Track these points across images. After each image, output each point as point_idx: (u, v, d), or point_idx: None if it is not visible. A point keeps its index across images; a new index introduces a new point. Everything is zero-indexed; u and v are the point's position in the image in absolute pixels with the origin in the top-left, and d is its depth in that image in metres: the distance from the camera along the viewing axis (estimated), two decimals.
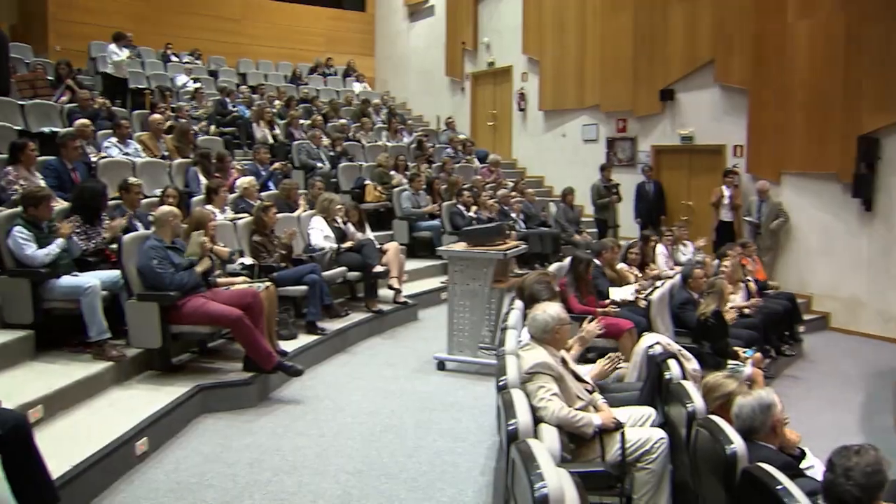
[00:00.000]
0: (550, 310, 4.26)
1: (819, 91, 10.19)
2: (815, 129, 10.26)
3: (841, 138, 9.96)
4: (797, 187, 10.68)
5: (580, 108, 13.93)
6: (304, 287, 7.09)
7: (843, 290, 10.27)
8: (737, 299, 7.71)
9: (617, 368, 4.81)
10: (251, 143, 11.71)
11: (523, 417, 3.44)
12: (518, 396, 3.68)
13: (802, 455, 3.78)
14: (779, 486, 2.71)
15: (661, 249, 9.15)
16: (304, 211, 8.60)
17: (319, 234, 8.00)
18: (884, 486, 2.73)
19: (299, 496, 4.37)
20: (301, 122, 12.88)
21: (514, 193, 11.69)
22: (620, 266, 7.89)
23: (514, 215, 10.98)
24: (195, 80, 14.34)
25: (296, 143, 11.75)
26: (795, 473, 3.26)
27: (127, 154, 8.77)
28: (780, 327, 8.35)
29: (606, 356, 4.95)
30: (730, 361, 6.14)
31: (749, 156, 11.16)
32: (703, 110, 11.82)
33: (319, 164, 11.42)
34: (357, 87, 17.99)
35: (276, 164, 10.29)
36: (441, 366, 6.92)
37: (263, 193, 9.01)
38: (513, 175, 14.34)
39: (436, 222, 10.70)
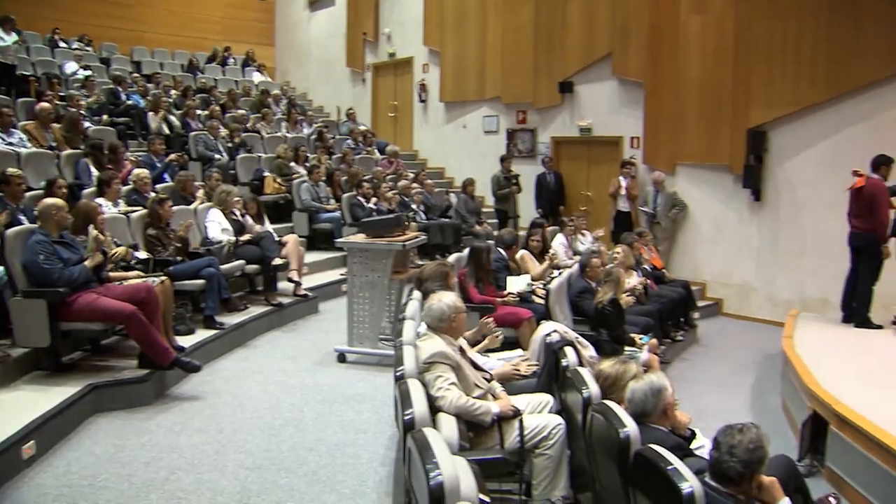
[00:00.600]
0: (446, 299, 4.29)
1: (711, 85, 10.61)
2: (708, 121, 10.69)
3: (731, 131, 10.42)
4: (691, 178, 11.10)
5: (481, 100, 14.07)
6: (201, 281, 6.95)
7: (735, 277, 10.75)
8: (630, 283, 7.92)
9: (525, 377, 4.85)
10: (146, 133, 11.30)
11: (419, 407, 3.45)
12: (415, 386, 3.68)
13: (693, 436, 3.93)
14: (669, 467, 2.80)
15: (560, 239, 9.33)
16: (201, 203, 8.38)
17: (217, 226, 7.83)
18: (764, 461, 2.92)
19: (197, 494, 4.28)
20: (198, 112, 12.52)
21: (414, 185, 11.70)
22: (522, 253, 8.02)
23: (414, 206, 10.99)
24: (85, 68, 13.68)
25: (193, 133, 11.40)
26: (686, 453, 3.40)
27: (11, 144, 8.32)
28: (675, 314, 8.66)
29: (517, 360, 5.01)
30: (626, 347, 6.34)
31: (645, 147, 11.54)
32: (601, 102, 12.14)
33: (217, 156, 11.13)
34: (256, 77, 17.61)
35: (172, 156, 9.97)
36: (341, 358, 6.92)
37: (159, 186, 8.77)
38: (414, 166, 14.34)
39: (336, 214, 10.60)
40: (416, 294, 5.48)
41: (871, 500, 4.67)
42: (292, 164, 11.35)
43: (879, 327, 7.76)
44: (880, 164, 7.65)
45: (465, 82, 14.30)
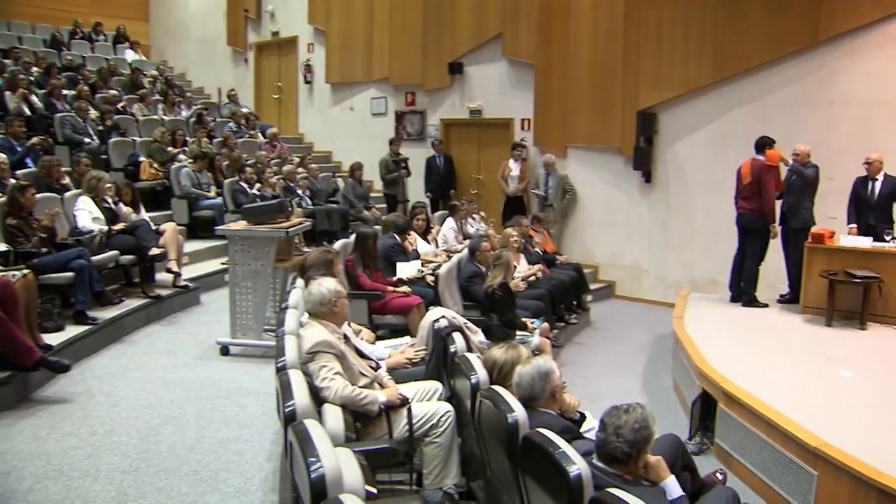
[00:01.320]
0: (326, 283, 4.22)
1: (601, 67, 10.85)
2: (598, 103, 10.93)
3: (622, 113, 10.70)
4: (582, 160, 11.34)
5: (368, 81, 13.94)
6: (69, 274, 6.66)
7: (627, 258, 11.08)
8: (519, 267, 8.00)
9: (413, 365, 4.82)
10: (3, 114, 10.59)
11: (301, 398, 3.36)
12: (296, 377, 3.58)
13: (583, 418, 4.00)
14: (556, 450, 2.82)
15: (449, 224, 9.34)
16: (70, 191, 7.96)
17: (87, 215, 7.49)
18: (649, 440, 2.99)
19: (66, 503, 4.08)
20: (64, 92, 11.82)
21: (299, 169, 11.48)
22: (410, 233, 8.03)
23: (299, 192, 10.79)
24: None
25: (58, 115, 10.78)
26: (574, 436, 3.45)
27: None
28: (568, 297, 8.82)
29: (404, 347, 4.96)
30: (518, 332, 6.40)
31: (536, 129, 11.70)
32: (491, 84, 12.23)
33: (87, 140, 10.60)
34: (130, 56, 16.78)
35: (35, 139, 9.40)
36: (224, 351, 6.79)
37: (20, 171, 8.31)
38: (299, 150, 14.07)
39: (217, 201, 10.29)
40: (300, 282, 5.36)
41: (757, 475, 4.89)
42: (170, 148, 10.93)
43: (765, 306, 8.11)
44: (763, 145, 7.98)
45: (351, 63, 14.12)
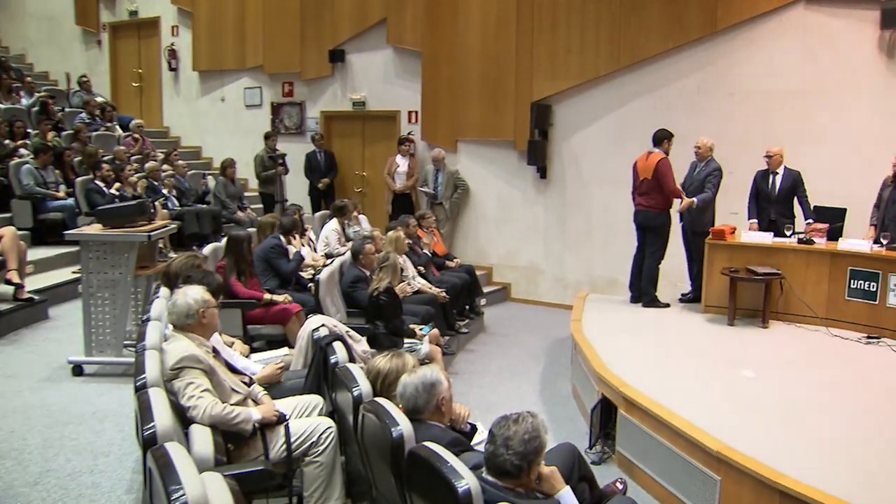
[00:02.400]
0: (191, 292, 4.13)
1: (493, 56, 11.01)
2: (490, 94, 11.08)
3: (515, 105, 10.88)
4: (474, 155, 11.48)
5: (241, 70, 13.67)
6: None
7: (522, 259, 11.28)
8: (407, 272, 8.03)
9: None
10: None
11: (162, 420, 3.26)
12: (157, 396, 3.48)
13: (474, 430, 4.04)
14: (444, 465, 2.84)
15: (332, 225, 9.27)
16: None
17: None
18: (541, 451, 3.05)
19: None
20: None
21: (164, 167, 11.15)
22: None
23: (165, 191, 10.49)
24: None
25: None
26: (464, 449, 3.47)
27: None
28: (460, 301, 8.92)
29: (276, 363, 4.89)
30: (406, 340, 6.42)
31: (424, 122, 11.78)
32: (375, 73, 12.23)
33: None
34: None
35: None
36: (78, 370, 6.58)
37: None
38: (164, 145, 13.66)
39: (68, 202, 9.88)
40: (163, 291, 5.22)
41: (659, 482, 5.06)
42: (7, 141, 10.41)
43: (667, 306, 8.39)
44: (662, 138, 8.21)
45: (221, 49, 13.80)
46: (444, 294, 8.12)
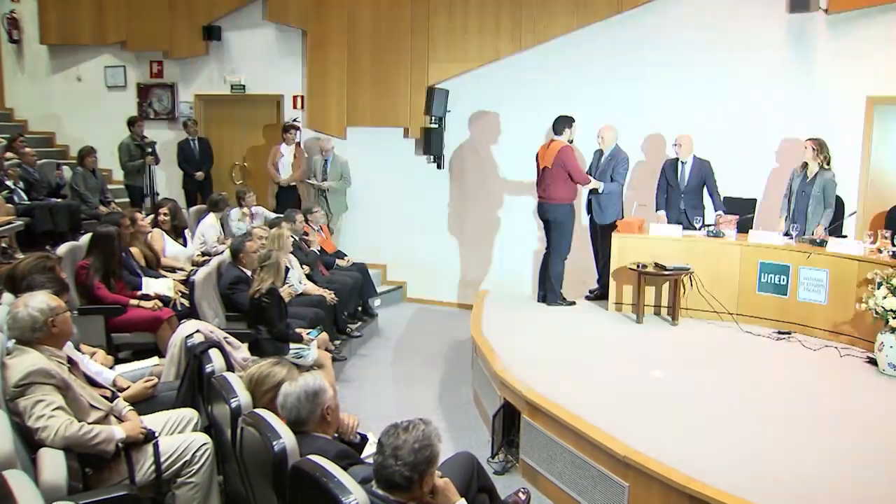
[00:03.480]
0: (34, 301, 3.95)
1: (386, 36, 10.96)
2: (382, 78, 11.04)
3: (409, 89, 10.87)
4: (365, 144, 11.41)
5: (100, 46, 13.08)
6: None
7: (419, 256, 11.29)
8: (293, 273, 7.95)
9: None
10: None
11: (1, 444, 3.10)
12: None
13: (364, 441, 4.01)
14: (330, 479, 2.81)
15: (209, 220, 9.07)
16: None
17: None
18: (434, 461, 3.05)
19: None
20: None
21: (8, 154, 10.67)
22: (153, 232, 7.81)
23: (10, 184, 10.03)
24: None
25: None
26: (353, 462, 3.45)
27: None
28: (351, 302, 8.89)
29: (145, 378, 4.75)
30: (293, 345, 6.35)
31: (310, 108, 11.63)
32: (255, 54, 12.00)
33: None
34: None
35: None
36: None
37: None
38: (7, 130, 12.98)
39: None
40: (7, 297, 4.98)
41: (565, 491, 5.14)
42: None
43: (572, 304, 8.52)
44: (563, 125, 8.30)
45: (75, 20, 13.11)
46: (333, 295, 8.06)
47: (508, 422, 5.88)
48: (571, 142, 8.31)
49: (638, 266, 7.86)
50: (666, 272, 7.78)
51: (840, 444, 5.01)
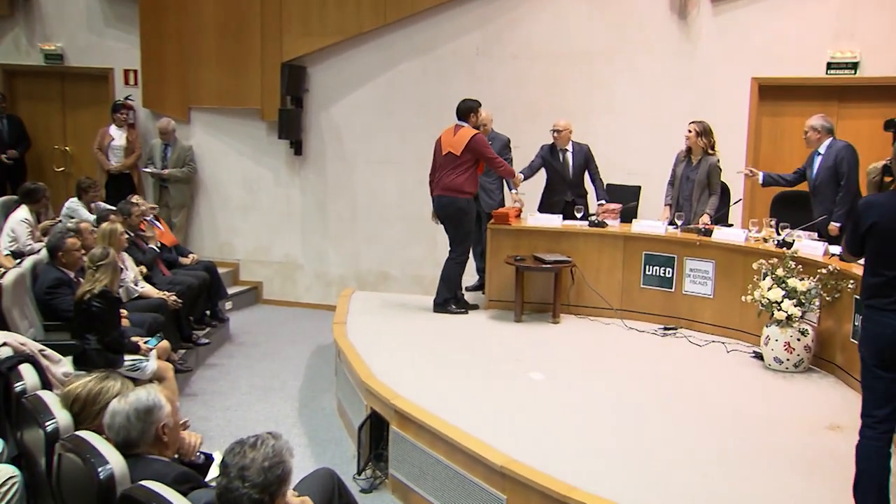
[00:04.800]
0: None
1: (233, 5, 10.72)
2: (230, 53, 10.79)
3: (261, 66, 10.66)
4: (212, 127, 11.18)
5: None
6: None
7: (276, 252, 11.16)
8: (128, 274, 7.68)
9: None
10: None
11: None
12: None
13: (209, 461, 3.90)
14: None
15: (20, 214, 8.60)
16: None
17: None
18: (286, 479, 2.97)
19: None
20: None
21: None
22: None
23: None
24: None
25: None
26: (195, 486, 3.35)
27: None
28: (198, 306, 8.68)
29: None
30: (128, 357, 6.14)
31: (146, 85, 11.23)
32: (76, 18, 11.50)
33: None
34: None
35: None
36: None
37: None
38: None
39: None
40: None
41: None
42: None
43: (464, 312, 8.19)
44: (468, 110, 8.00)
45: None
46: (175, 298, 7.81)
47: (376, 434, 5.84)
48: (478, 128, 8.10)
49: (515, 259, 7.89)
50: (545, 265, 7.83)
51: (726, 445, 5.15)
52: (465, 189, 7.94)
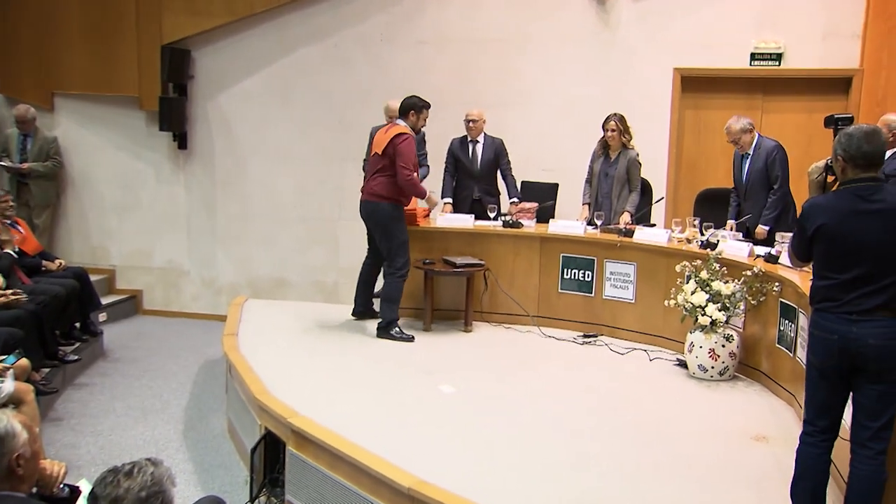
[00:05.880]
0: None
1: None
2: (100, 32, 10.55)
3: (138, 49, 10.44)
4: (81, 116, 10.94)
5: None
6: None
7: (158, 257, 10.97)
8: None
9: None
10: None
11: None
12: None
13: (75, 494, 3.74)
14: None
15: None
16: None
17: None
18: None
19: None
20: None
21: None
22: None
23: None
24: None
25: None
26: None
27: None
28: (66, 318, 8.44)
29: None
30: None
31: (1, 68, 10.90)
32: None
33: None
34: None
35: None
36: None
37: None
38: None
39: None
40: None
41: None
42: None
43: (410, 339, 7.73)
44: (408, 108, 7.75)
45: None
46: (35, 308, 7.55)
47: (271, 456, 5.74)
48: (418, 132, 7.89)
49: (423, 263, 7.85)
50: (456, 269, 7.80)
51: (650, 459, 5.18)
52: (385, 191, 7.62)
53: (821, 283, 4.17)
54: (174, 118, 10.44)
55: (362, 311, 8.29)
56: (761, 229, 7.67)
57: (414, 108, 7.71)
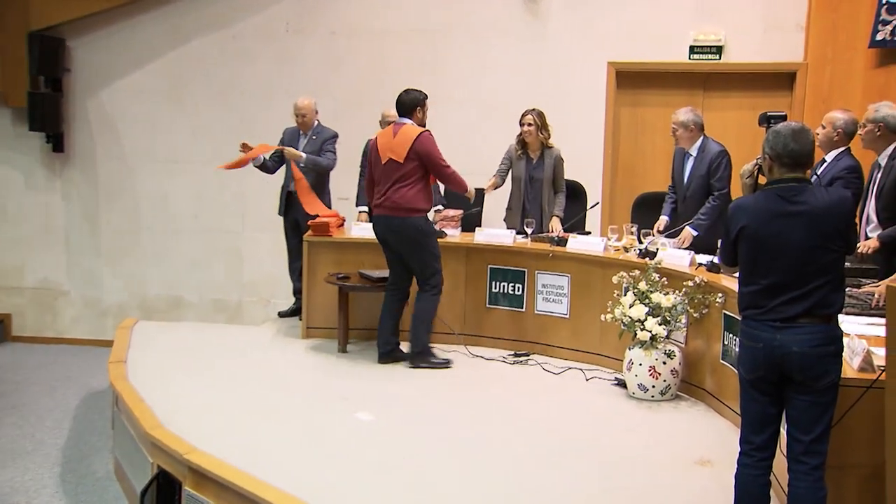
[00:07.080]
0: None
1: None
2: None
3: (5, 39, 10.25)
4: None
5: None
6: None
7: (30, 276, 10.81)
8: None
9: None
10: None
11: None
12: None
13: None
14: None
15: None
16: None
17: None
18: None
19: None
20: None
21: None
22: None
23: None
24: None
25: None
26: None
27: None
28: None
29: None
30: None
31: None
32: None
33: None
34: None
35: None
36: None
37: None
38: None
39: None
40: None
41: None
42: None
43: (446, 364, 7.61)
44: (413, 104, 7.48)
45: None
46: None
47: (165, 499, 5.59)
48: (424, 125, 7.59)
49: (337, 277, 7.80)
50: (373, 284, 7.75)
51: (589, 487, 5.16)
52: (419, 206, 7.39)
53: (746, 289, 4.23)
54: (47, 117, 10.27)
55: (391, 350, 7.74)
56: (688, 232, 7.60)
57: (418, 103, 7.47)
